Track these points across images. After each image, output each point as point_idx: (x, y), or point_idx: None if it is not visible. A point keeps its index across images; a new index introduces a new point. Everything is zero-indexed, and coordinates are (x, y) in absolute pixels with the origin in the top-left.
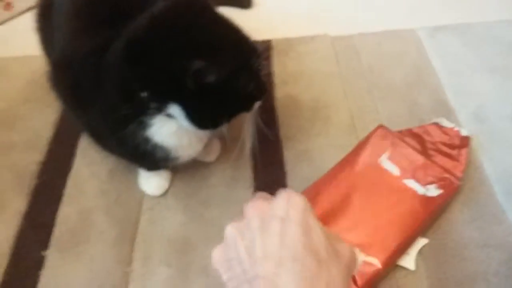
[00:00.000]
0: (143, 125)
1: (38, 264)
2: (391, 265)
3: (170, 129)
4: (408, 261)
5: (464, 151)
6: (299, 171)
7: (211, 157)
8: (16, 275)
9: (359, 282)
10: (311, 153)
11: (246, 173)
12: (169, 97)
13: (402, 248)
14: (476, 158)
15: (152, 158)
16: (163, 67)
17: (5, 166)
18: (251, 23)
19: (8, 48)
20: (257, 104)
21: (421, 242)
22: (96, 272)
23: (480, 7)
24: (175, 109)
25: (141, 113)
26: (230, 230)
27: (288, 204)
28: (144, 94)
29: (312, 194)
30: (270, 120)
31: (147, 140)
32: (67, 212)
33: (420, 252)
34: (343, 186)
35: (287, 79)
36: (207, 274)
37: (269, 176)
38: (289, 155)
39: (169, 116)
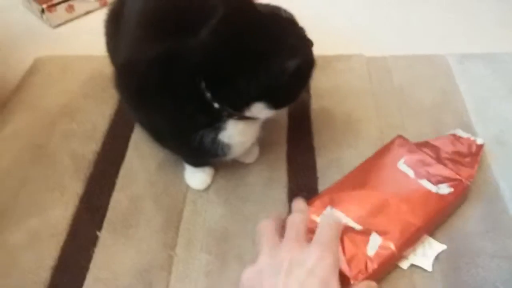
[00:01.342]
0: (217, 130)
1: (92, 242)
2: (403, 251)
3: (239, 128)
4: (426, 262)
5: (476, 158)
6: (330, 177)
7: (250, 158)
8: (72, 251)
9: (376, 262)
10: (341, 161)
11: (281, 175)
12: (251, 100)
13: (415, 237)
14: (493, 177)
15: (211, 154)
16: (249, 79)
17: (66, 152)
18: None
19: (69, 47)
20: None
21: (440, 247)
22: (144, 253)
23: (507, 39)
24: (257, 107)
25: (215, 121)
26: (247, 277)
27: (319, 260)
28: (216, 106)
29: (335, 190)
30: (306, 128)
31: (213, 140)
32: (119, 198)
33: (437, 257)
34: (364, 180)
35: (323, 93)
36: (242, 262)
37: (302, 179)
38: (321, 162)
39: (242, 117)
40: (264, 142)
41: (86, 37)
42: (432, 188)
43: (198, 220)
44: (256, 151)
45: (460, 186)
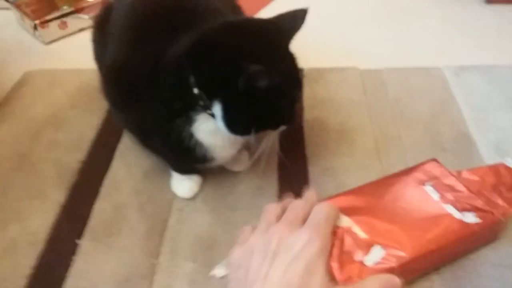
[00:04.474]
0: (189, 121)
1: (72, 250)
2: (405, 272)
3: (209, 127)
4: None
5: None
6: (322, 186)
7: (241, 167)
8: (50, 259)
9: (369, 274)
10: (335, 170)
11: (272, 184)
12: (216, 95)
13: (423, 262)
14: None
15: (192, 155)
16: (221, 66)
17: (50, 161)
18: None
19: (62, 62)
20: (282, 128)
21: None
22: (125, 261)
23: (505, 52)
24: (217, 108)
25: (189, 109)
26: (236, 256)
27: (306, 244)
28: (196, 91)
29: (348, 195)
30: (298, 138)
31: (190, 135)
32: (102, 207)
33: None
34: (382, 192)
35: (316, 104)
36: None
37: (294, 188)
38: (314, 171)
39: (211, 115)
40: (255, 151)
41: (77, 53)
42: (456, 214)
43: (183, 228)
44: (246, 160)
45: (489, 218)
